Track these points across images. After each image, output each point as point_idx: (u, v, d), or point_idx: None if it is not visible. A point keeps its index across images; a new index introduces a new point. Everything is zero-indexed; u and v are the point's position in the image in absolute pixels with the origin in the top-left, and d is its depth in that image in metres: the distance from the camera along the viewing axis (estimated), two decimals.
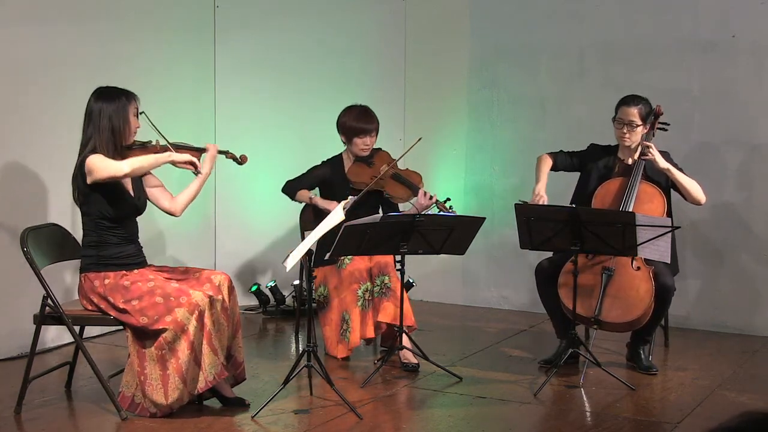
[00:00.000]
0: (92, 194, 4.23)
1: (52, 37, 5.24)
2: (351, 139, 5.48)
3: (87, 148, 4.26)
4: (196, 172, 4.37)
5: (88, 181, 4.18)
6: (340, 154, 5.61)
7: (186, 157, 4.31)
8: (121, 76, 5.47)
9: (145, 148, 4.37)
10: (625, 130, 5.07)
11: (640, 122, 5.05)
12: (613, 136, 5.20)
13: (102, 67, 5.44)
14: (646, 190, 5.00)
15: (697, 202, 5.10)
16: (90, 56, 5.42)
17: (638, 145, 5.14)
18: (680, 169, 5.10)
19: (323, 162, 5.62)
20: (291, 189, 5.56)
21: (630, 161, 5.16)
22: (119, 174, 4.16)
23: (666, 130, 5.25)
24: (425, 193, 5.32)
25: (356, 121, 5.46)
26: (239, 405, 4.34)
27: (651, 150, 4.99)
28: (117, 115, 4.26)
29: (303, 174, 5.60)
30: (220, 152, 4.53)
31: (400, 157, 5.45)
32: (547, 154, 5.29)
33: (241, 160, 4.66)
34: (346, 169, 5.53)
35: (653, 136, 5.16)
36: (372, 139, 5.50)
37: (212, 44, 6.18)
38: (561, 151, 5.32)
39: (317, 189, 5.64)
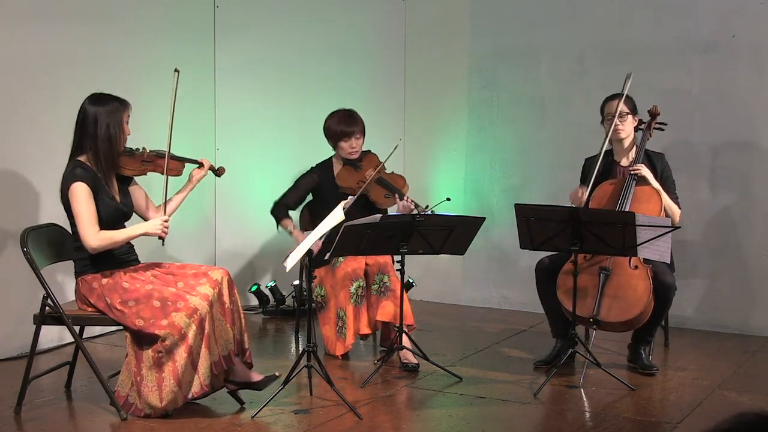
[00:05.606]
0: None
1: (52, 37, 5.24)
2: (337, 143, 5.45)
3: (79, 154, 4.26)
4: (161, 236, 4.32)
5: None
6: (330, 158, 5.58)
7: (156, 229, 4.26)
8: (120, 77, 5.50)
9: (132, 155, 4.37)
10: (617, 122, 5.07)
11: (628, 111, 5.09)
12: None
13: (102, 67, 5.43)
14: (644, 190, 5.00)
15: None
16: (90, 56, 5.41)
17: (632, 142, 5.14)
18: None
19: (311, 169, 5.57)
20: (277, 213, 5.49)
21: (625, 161, 5.17)
22: (87, 243, 4.15)
23: (663, 129, 5.25)
24: (407, 198, 5.32)
25: (339, 124, 5.42)
26: (270, 382, 4.34)
27: (640, 172, 5.00)
28: (113, 122, 4.24)
29: (290, 189, 5.54)
30: (191, 161, 4.55)
31: (385, 161, 5.34)
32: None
33: (218, 172, 4.66)
34: (335, 174, 5.50)
35: (650, 136, 5.17)
36: (358, 141, 5.44)
37: (212, 44, 6.18)
38: None
39: (310, 196, 5.60)
